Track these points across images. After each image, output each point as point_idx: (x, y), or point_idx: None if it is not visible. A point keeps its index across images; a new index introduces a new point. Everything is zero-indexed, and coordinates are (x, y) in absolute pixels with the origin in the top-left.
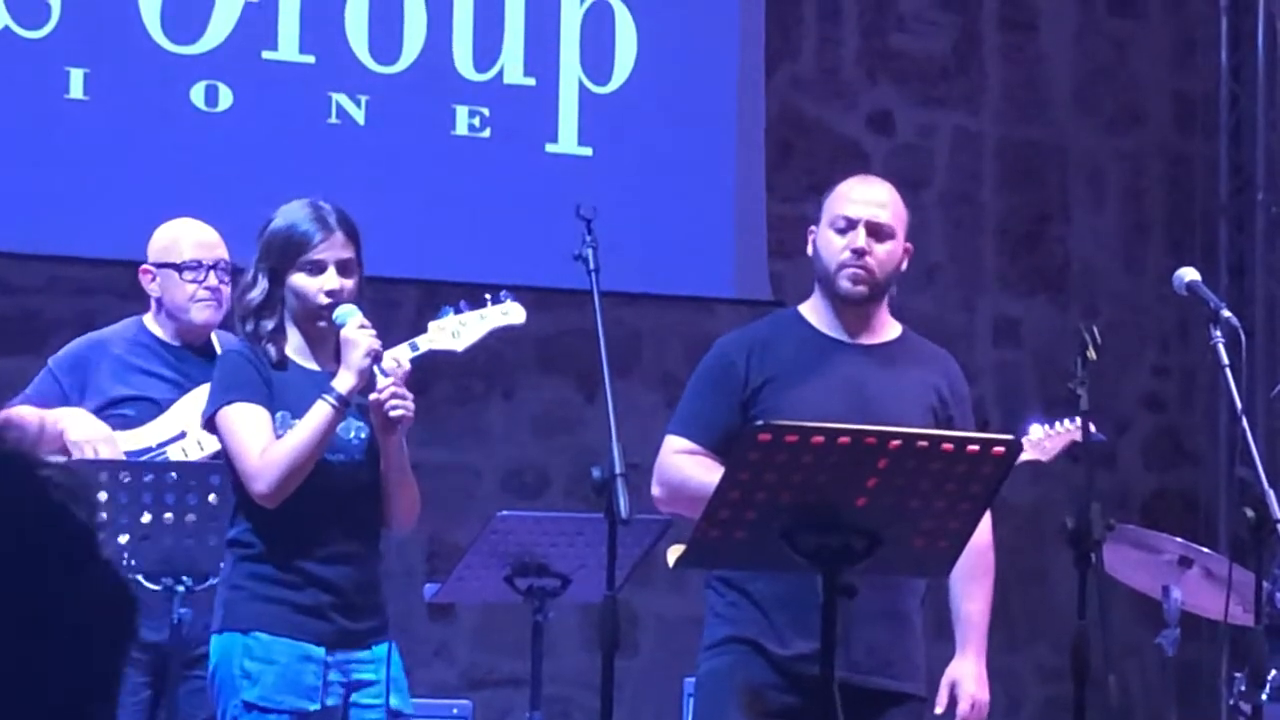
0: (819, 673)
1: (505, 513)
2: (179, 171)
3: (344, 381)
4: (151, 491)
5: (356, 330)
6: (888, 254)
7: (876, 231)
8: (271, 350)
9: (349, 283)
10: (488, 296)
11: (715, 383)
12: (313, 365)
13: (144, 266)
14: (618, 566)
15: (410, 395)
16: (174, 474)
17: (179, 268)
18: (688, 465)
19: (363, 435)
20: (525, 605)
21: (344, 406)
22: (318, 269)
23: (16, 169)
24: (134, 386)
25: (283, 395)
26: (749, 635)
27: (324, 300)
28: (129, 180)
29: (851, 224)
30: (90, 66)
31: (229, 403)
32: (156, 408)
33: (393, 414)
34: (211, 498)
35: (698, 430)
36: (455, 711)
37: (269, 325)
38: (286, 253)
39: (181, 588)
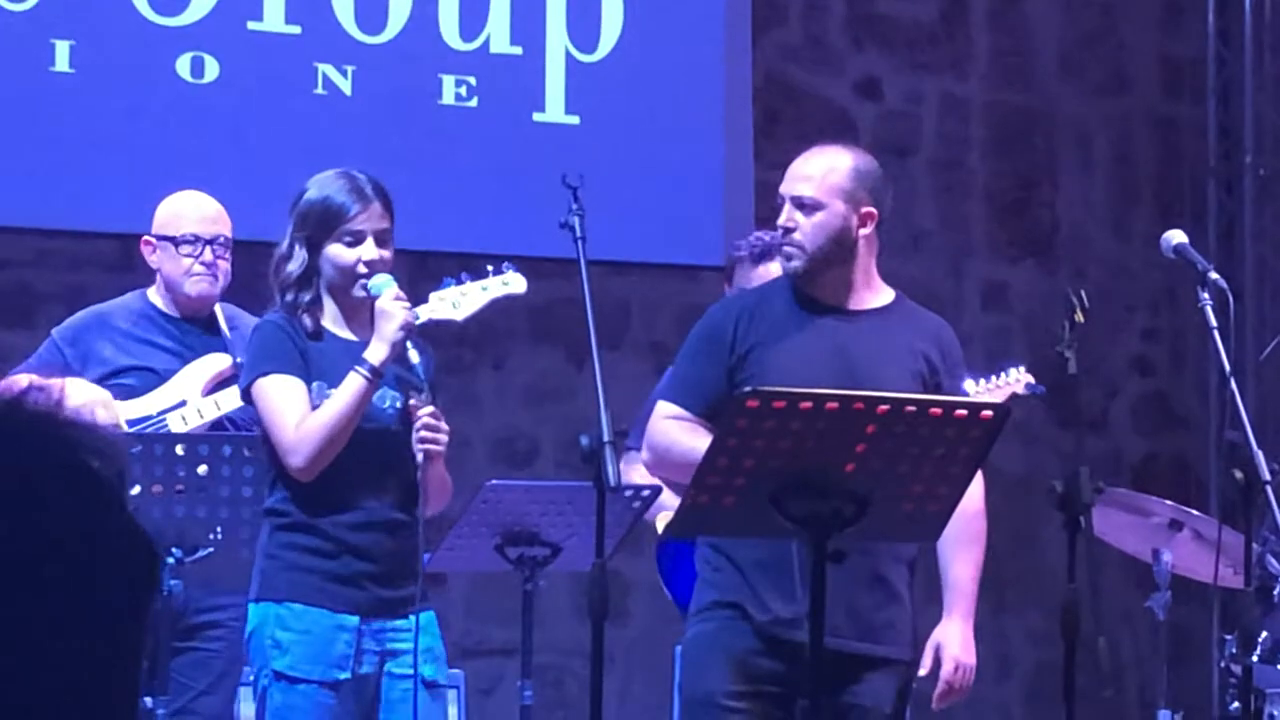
0: (801, 638)
1: (495, 482)
2: (165, 143)
3: (376, 353)
4: (141, 463)
5: (391, 302)
6: (816, 225)
7: (800, 205)
8: (307, 321)
9: (386, 253)
10: (490, 268)
11: (703, 349)
12: (349, 335)
13: (145, 238)
14: (608, 534)
15: (446, 429)
16: (160, 446)
17: (176, 241)
18: (674, 431)
19: (397, 405)
20: (516, 574)
21: (376, 377)
22: (356, 240)
23: (3, 142)
24: (135, 356)
25: (319, 365)
26: (733, 600)
27: (363, 271)
28: (115, 153)
29: (782, 200)
30: (75, 39)
31: (264, 374)
32: (157, 377)
33: (421, 447)
34: (201, 469)
35: (686, 396)
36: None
37: (306, 297)
38: (324, 223)
39: (171, 559)
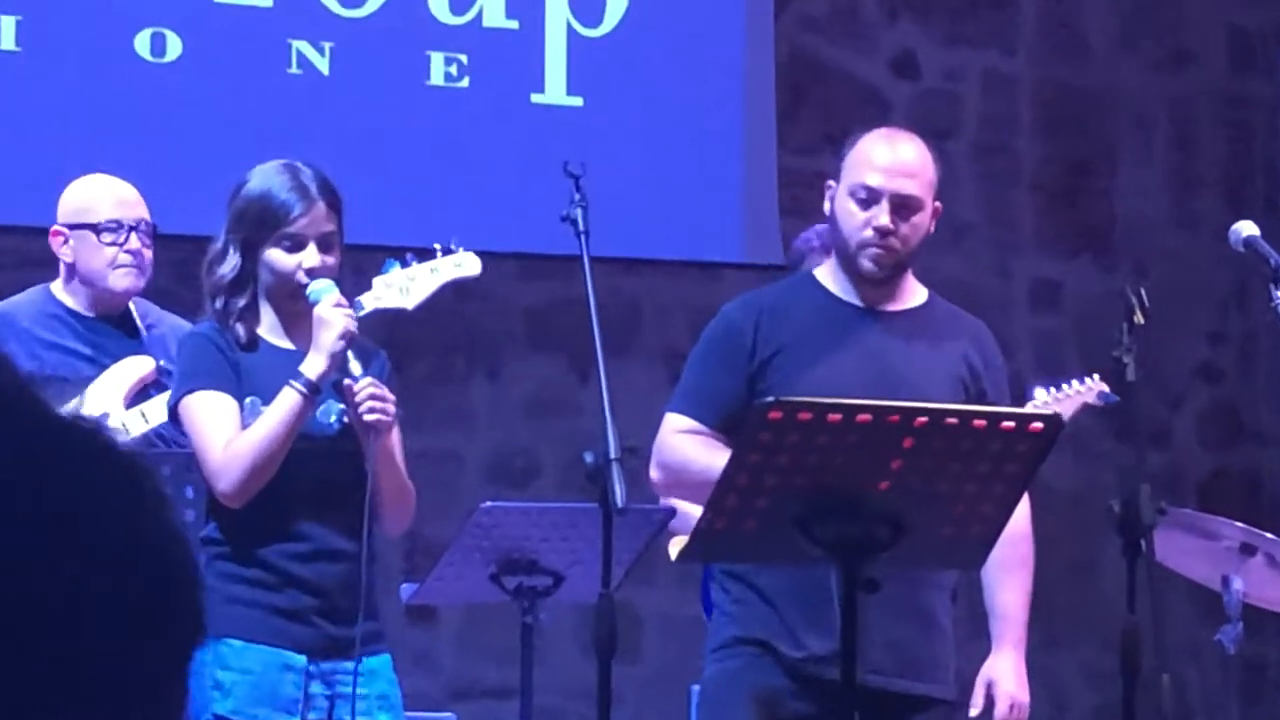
0: (837, 676)
1: (490, 503)
2: (123, 129)
3: (314, 366)
4: None
5: (330, 309)
6: (914, 227)
7: (903, 206)
8: (241, 330)
9: (330, 259)
10: (437, 247)
11: (719, 354)
12: (287, 344)
13: (55, 228)
14: (616, 561)
15: (391, 397)
16: None
17: (96, 229)
18: (688, 446)
19: (344, 419)
20: (514, 606)
21: (314, 393)
22: (297, 245)
23: None
24: (47, 365)
25: (252, 378)
26: (758, 635)
27: (303, 279)
28: (66, 139)
29: (875, 196)
30: (22, 13)
31: (191, 390)
32: (71, 387)
33: (368, 418)
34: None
35: (700, 407)
36: None
37: (240, 303)
38: (262, 224)
39: None
